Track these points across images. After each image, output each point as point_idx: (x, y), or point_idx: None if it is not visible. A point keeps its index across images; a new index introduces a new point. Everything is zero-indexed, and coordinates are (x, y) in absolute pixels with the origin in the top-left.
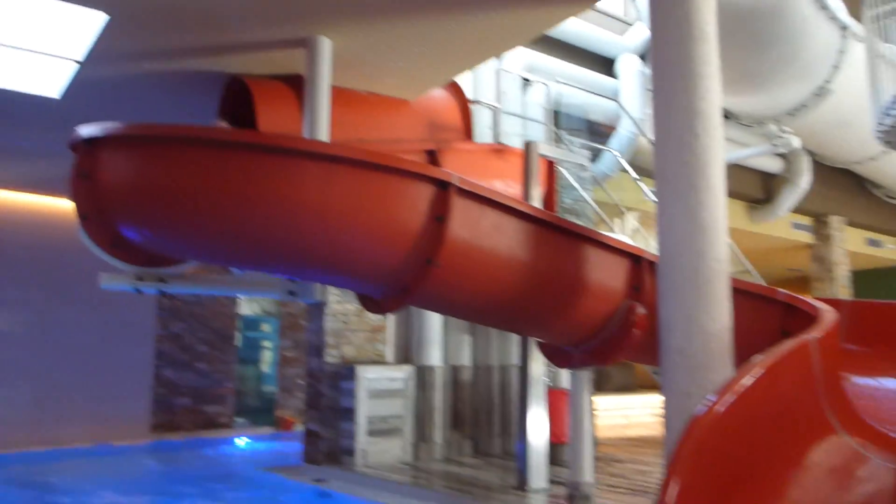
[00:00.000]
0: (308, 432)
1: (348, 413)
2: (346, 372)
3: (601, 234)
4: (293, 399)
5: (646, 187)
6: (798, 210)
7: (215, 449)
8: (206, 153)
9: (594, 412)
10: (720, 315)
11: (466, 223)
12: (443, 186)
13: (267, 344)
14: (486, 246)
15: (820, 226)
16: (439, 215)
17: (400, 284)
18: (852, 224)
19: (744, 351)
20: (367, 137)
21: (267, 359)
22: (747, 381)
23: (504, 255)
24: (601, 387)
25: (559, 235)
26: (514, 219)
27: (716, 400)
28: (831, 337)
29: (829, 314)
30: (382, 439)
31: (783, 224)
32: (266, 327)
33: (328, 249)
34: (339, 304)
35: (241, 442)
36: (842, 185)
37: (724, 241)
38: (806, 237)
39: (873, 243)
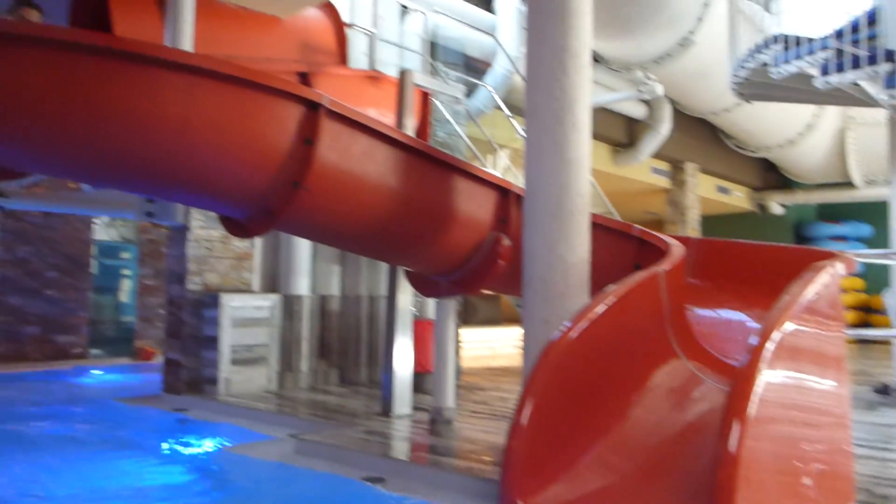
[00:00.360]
0: (168, 361)
1: (211, 342)
2: (209, 300)
3: (471, 165)
4: (153, 329)
5: (518, 125)
6: (657, 156)
7: (69, 380)
8: (52, 55)
9: (459, 343)
10: (580, 247)
11: (336, 147)
12: (313, 108)
13: (126, 272)
14: (355, 172)
15: (676, 172)
16: (308, 138)
17: (265, 207)
18: (705, 171)
19: (600, 282)
20: (235, 54)
21: (126, 287)
22: (600, 308)
23: (374, 182)
24: (467, 319)
25: (430, 165)
26: (385, 145)
27: (570, 326)
28: (679, 270)
29: (677, 249)
30: (247, 368)
31: (643, 168)
32: (125, 255)
33: (188, 167)
34: (203, 229)
35: (98, 373)
36: (698, 134)
37: (586, 176)
38: (663, 182)
39: (722, 190)
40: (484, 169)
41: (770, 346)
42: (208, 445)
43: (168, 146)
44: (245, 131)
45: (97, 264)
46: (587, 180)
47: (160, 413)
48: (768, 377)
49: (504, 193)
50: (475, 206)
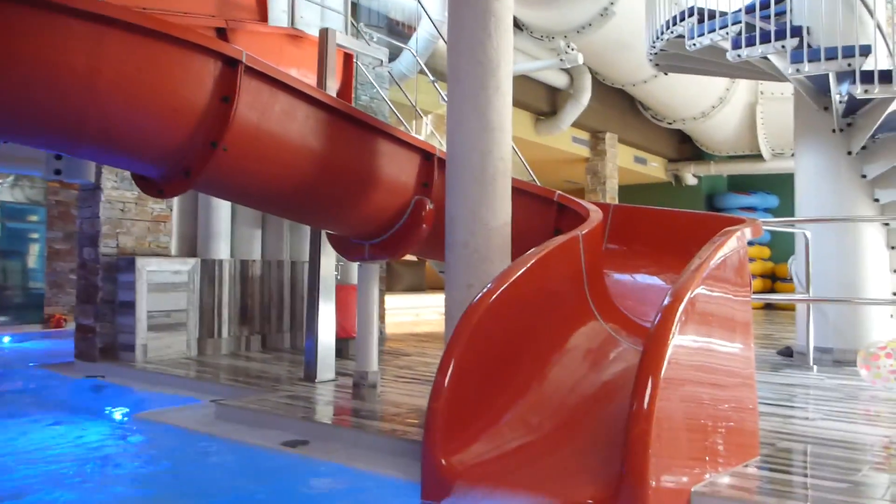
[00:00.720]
0: (81, 328)
1: (127, 307)
2: (124, 264)
3: (394, 128)
4: (64, 296)
5: (442, 91)
6: (578, 125)
7: None
8: None
9: (383, 308)
10: (502, 211)
11: (256, 106)
12: (231, 64)
13: (34, 235)
14: (276, 131)
15: (596, 141)
16: (226, 95)
17: (182, 166)
18: (623, 141)
19: (522, 246)
20: (147, 6)
21: (34, 252)
22: (520, 271)
23: (295, 143)
24: (392, 286)
25: (353, 126)
26: (307, 105)
27: (491, 289)
28: (597, 234)
29: (596, 214)
30: (165, 334)
31: (565, 137)
32: (32, 217)
33: (98, 122)
34: (116, 190)
35: (6, 340)
36: (617, 104)
37: (508, 141)
38: (584, 151)
39: (640, 161)
40: (408, 133)
41: (681, 306)
42: (124, 412)
43: (75, 99)
44: (159, 86)
45: (2, 228)
46: (509, 144)
47: (73, 380)
48: (679, 339)
49: (427, 157)
50: (398, 170)
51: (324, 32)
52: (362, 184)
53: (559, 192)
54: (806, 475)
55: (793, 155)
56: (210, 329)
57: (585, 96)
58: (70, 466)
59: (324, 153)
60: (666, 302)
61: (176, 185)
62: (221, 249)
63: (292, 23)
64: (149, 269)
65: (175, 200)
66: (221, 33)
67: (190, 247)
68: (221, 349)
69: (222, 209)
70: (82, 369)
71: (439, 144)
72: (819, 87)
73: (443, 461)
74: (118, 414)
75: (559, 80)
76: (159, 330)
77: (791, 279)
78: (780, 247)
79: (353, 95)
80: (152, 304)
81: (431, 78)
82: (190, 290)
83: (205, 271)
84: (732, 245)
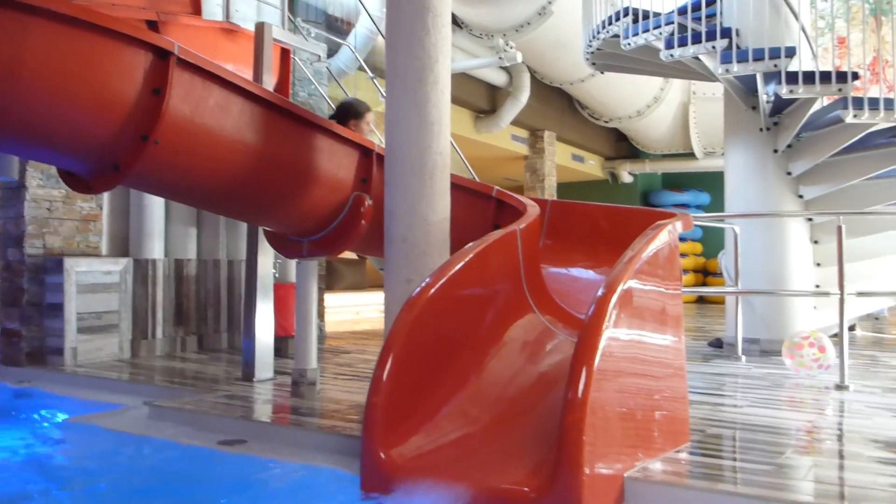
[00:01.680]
0: (6, 332)
1: (55, 309)
2: (51, 264)
3: (332, 123)
4: None
5: (381, 87)
6: (517, 123)
7: None
8: None
9: (322, 306)
10: (441, 206)
11: (189, 99)
12: (162, 56)
13: None
14: (210, 125)
15: (535, 139)
16: (156, 87)
17: (111, 161)
18: (561, 140)
19: (461, 241)
20: None
21: None
22: (459, 265)
23: (230, 137)
24: (332, 285)
25: (289, 121)
26: (242, 99)
27: (429, 282)
28: (535, 228)
29: (533, 209)
30: (96, 336)
31: (504, 135)
32: None
33: (22, 114)
34: (42, 188)
35: None
36: (555, 103)
37: (447, 136)
38: (522, 149)
39: (577, 159)
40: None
41: (614, 297)
42: (54, 417)
43: None
44: (86, 78)
45: None
46: (448, 139)
47: None
48: (612, 331)
49: (366, 153)
50: (336, 166)
51: (260, 27)
52: (300, 180)
53: (497, 187)
54: (735, 459)
55: (723, 153)
56: (144, 330)
57: (524, 94)
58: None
59: (260, 148)
60: (599, 293)
61: (105, 181)
62: (155, 249)
63: (227, 17)
64: (78, 269)
65: (105, 199)
66: (153, 26)
67: (122, 246)
68: (156, 350)
69: (155, 207)
70: (9, 375)
71: (379, 142)
72: (747, 87)
73: (382, 454)
74: (48, 420)
75: (498, 79)
76: (90, 332)
77: (721, 273)
78: (712, 243)
79: (290, 91)
80: (82, 305)
81: (370, 74)
82: (122, 291)
83: (138, 271)
84: (664, 238)
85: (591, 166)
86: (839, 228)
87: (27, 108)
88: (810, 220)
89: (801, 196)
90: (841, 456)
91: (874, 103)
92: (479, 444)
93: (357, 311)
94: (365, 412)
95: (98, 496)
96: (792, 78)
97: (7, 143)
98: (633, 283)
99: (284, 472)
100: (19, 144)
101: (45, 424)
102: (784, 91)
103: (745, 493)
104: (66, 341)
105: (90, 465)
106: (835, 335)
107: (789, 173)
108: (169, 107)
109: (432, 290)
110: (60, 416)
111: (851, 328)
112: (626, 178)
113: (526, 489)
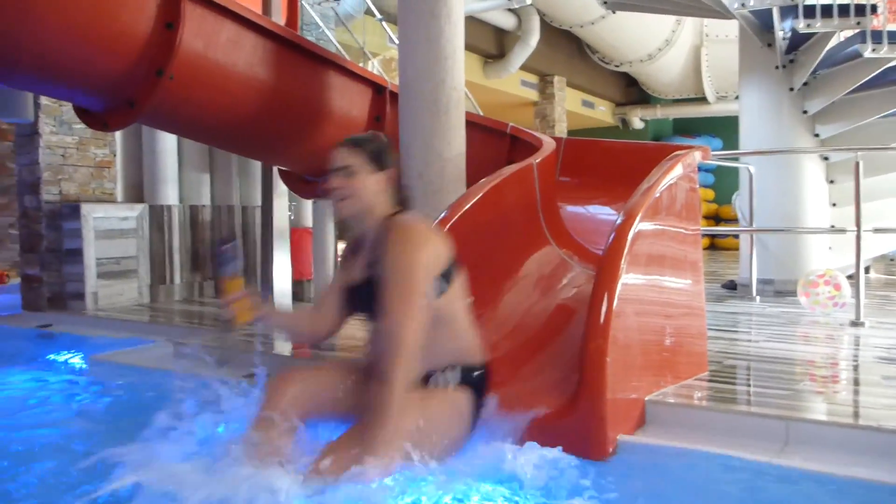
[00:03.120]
0: (26, 278)
1: (74, 255)
2: (68, 211)
3: (345, 59)
4: (5, 251)
5: (390, 31)
6: (526, 68)
7: None
8: None
9: (338, 253)
10: (456, 142)
11: (201, 34)
12: None
13: None
14: (223, 61)
15: (544, 85)
16: (169, 22)
17: (126, 97)
18: (571, 85)
19: (476, 179)
20: None
21: None
22: (475, 198)
23: (243, 73)
24: (345, 234)
25: (302, 57)
26: (254, 34)
27: (446, 216)
28: (550, 163)
29: (549, 145)
30: (116, 282)
31: (513, 81)
32: None
33: (36, 48)
34: (55, 135)
35: None
36: (565, 47)
37: (461, 69)
38: (532, 94)
39: (587, 105)
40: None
41: (633, 225)
42: (78, 356)
43: (8, 22)
44: (98, 9)
45: None
46: (461, 72)
47: (21, 330)
48: (633, 257)
49: (379, 91)
50: (349, 103)
51: None
52: (313, 116)
53: (512, 123)
54: (749, 385)
55: (737, 98)
56: (162, 276)
57: (534, 38)
58: (26, 408)
59: (272, 84)
60: (619, 221)
61: (121, 117)
62: (169, 195)
63: None
64: (95, 215)
65: (118, 145)
66: None
67: (136, 193)
68: (175, 295)
69: (168, 154)
70: (31, 319)
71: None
72: (763, 24)
73: None
74: (73, 357)
75: (507, 22)
76: (109, 277)
77: (735, 215)
78: (724, 189)
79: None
80: (100, 251)
81: (379, 16)
82: (139, 237)
83: (153, 217)
84: (678, 173)
85: (602, 112)
86: (856, 165)
87: (42, 43)
88: (826, 159)
89: (816, 135)
90: (856, 383)
91: (893, 37)
92: (497, 372)
93: None
94: None
95: (127, 420)
96: (809, 12)
97: (22, 78)
98: (648, 220)
99: None
100: (34, 80)
101: (71, 362)
102: (801, 25)
103: (760, 412)
104: (86, 286)
105: (116, 398)
106: (850, 276)
107: (805, 112)
108: (182, 41)
109: (449, 224)
110: (85, 354)
111: (866, 270)
112: (637, 124)
113: (550, 411)
